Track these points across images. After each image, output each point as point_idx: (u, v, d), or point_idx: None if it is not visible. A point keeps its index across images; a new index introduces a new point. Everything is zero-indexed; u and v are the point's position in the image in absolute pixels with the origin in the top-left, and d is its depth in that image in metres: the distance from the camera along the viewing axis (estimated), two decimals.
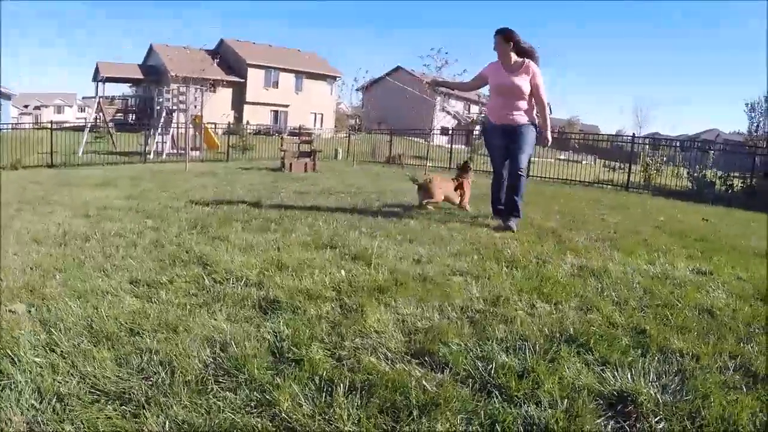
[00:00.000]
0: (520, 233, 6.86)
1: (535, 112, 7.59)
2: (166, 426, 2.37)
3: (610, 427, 2.51)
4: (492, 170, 8.10)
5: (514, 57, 7.42)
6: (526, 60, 7.42)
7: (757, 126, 53.44)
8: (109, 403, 2.56)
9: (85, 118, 42.04)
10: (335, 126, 62.97)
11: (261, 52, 63.72)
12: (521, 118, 7.47)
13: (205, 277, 4.41)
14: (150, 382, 2.73)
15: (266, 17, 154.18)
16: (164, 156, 26.21)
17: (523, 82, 7.36)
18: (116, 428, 2.37)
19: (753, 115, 53.98)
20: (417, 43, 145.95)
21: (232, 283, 4.26)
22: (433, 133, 31.30)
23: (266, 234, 6.06)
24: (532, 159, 23.05)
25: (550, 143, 7.75)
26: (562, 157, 30.06)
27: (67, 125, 34.89)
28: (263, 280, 4.34)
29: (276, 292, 4.02)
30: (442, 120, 50.31)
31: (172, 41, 53.46)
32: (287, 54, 66.52)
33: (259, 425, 2.38)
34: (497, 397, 2.66)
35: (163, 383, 2.72)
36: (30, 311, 3.69)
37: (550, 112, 7.81)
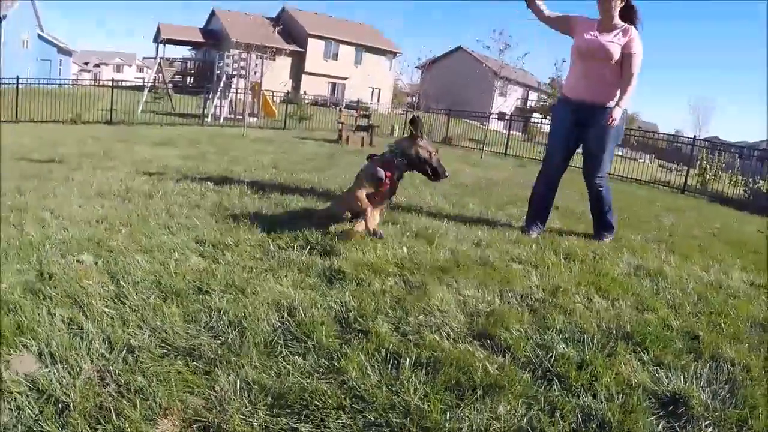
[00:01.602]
0: (576, 227, 6.79)
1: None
2: (237, 385, 2.45)
3: (661, 426, 2.55)
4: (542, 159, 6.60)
5: (616, 18, 5.72)
6: (627, 25, 5.71)
7: None
8: (179, 358, 2.66)
9: (144, 78, 42.52)
10: (392, 102, 62.93)
11: (322, 23, 63.75)
12: (606, 96, 5.77)
13: (270, 242, 4.50)
14: (220, 341, 2.83)
15: None
16: (221, 120, 26.39)
17: (615, 47, 5.62)
18: (188, 383, 2.46)
19: None
20: (479, 22, 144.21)
21: (297, 251, 4.35)
22: (492, 117, 31.16)
23: (327, 203, 6.14)
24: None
25: (615, 124, 5.62)
26: (618, 153, 29.75)
27: (127, 84, 35.25)
28: (326, 249, 4.43)
29: (341, 263, 4.10)
30: (500, 104, 50.08)
31: (234, 6, 53.81)
32: (348, 26, 66.48)
33: (328, 391, 2.46)
34: (557, 385, 2.72)
35: (233, 343, 2.81)
36: (97, 263, 3.80)
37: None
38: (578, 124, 5.94)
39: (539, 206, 6.28)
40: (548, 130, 6.54)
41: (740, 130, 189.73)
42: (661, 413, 2.66)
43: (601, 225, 6.30)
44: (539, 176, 6.37)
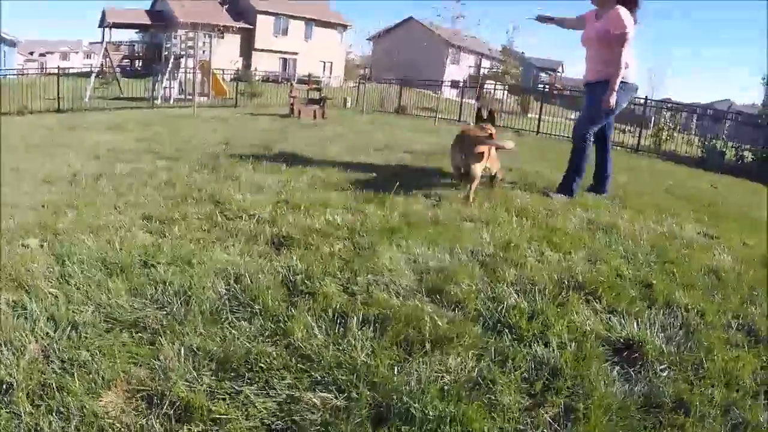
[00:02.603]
0: (531, 185, 6.79)
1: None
2: (182, 352, 2.42)
3: (616, 371, 2.57)
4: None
5: (609, 3, 6.16)
6: (614, 6, 6.09)
7: None
8: (125, 330, 2.62)
9: (92, 65, 41.78)
10: (345, 75, 62.70)
11: None
12: (594, 74, 6.43)
13: (217, 214, 4.45)
14: (165, 312, 2.78)
15: None
16: (172, 101, 26.08)
17: (596, 32, 6.24)
18: (132, 354, 2.43)
19: None
20: None
21: (245, 220, 4.31)
22: (444, 86, 31.16)
23: (277, 175, 6.09)
24: (544, 118, 23.04)
25: (610, 106, 6.19)
26: (573, 116, 29.94)
27: (73, 71, 34.65)
28: (276, 218, 4.38)
29: (288, 229, 4.07)
30: (453, 72, 50.15)
31: None
32: (296, 1, 65.94)
33: (273, 353, 2.44)
34: (507, 336, 2.72)
35: (178, 312, 2.77)
36: (42, 246, 3.73)
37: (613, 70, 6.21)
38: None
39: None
40: None
41: (695, 90, 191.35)
42: (616, 359, 2.68)
43: (560, 183, 6.61)
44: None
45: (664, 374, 2.60)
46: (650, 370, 2.61)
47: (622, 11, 6.03)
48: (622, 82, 6.16)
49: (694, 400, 2.40)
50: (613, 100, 6.09)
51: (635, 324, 3.00)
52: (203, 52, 27.68)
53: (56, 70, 25.13)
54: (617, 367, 2.60)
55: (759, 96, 59.20)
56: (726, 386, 2.56)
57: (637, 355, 2.73)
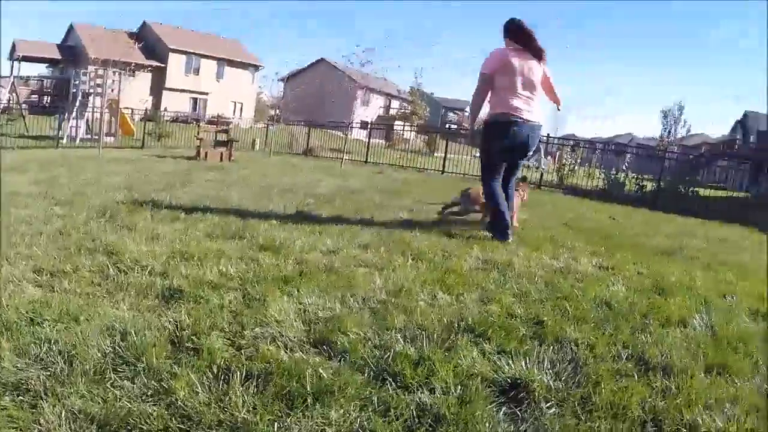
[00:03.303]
0: (430, 228, 6.86)
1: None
2: (63, 416, 2.36)
3: (502, 412, 2.61)
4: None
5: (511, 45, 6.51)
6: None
7: (669, 131, 55.55)
8: (7, 393, 2.53)
9: None
10: (255, 116, 62.48)
11: (184, 38, 62.62)
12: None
13: (110, 266, 4.34)
14: (48, 372, 2.70)
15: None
16: (78, 141, 25.57)
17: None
18: (12, 419, 2.35)
19: (666, 121, 56.08)
20: (341, 34, 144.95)
21: (137, 273, 4.22)
22: (352, 127, 31.37)
23: (175, 223, 6.00)
24: (450, 156, 23.41)
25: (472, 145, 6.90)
26: (478, 154, 30.45)
27: None
28: (168, 269, 4.32)
29: (180, 282, 4.01)
30: (362, 114, 50.47)
31: (93, 21, 52.15)
32: (209, 40, 65.54)
33: (154, 413, 2.40)
34: (392, 384, 2.73)
35: (61, 373, 2.69)
36: None
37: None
38: None
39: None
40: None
41: (597, 127, 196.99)
42: (502, 400, 2.71)
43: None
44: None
45: (551, 411, 2.65)
46: (536, 409, 2.66)
47: (493, 51, 6.38)
48: (528, 122, 6.36)
49: None
50: (472, 139, 6.36)
51: (523, 363, 3.05)
52: (112, 90, 27.26)
53: None
54: (504, 408, 2.63)
55: (658, 129, 61.79)
56: (613, 417, 2.64)
57: (524, 394, 2.77)
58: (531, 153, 6.80)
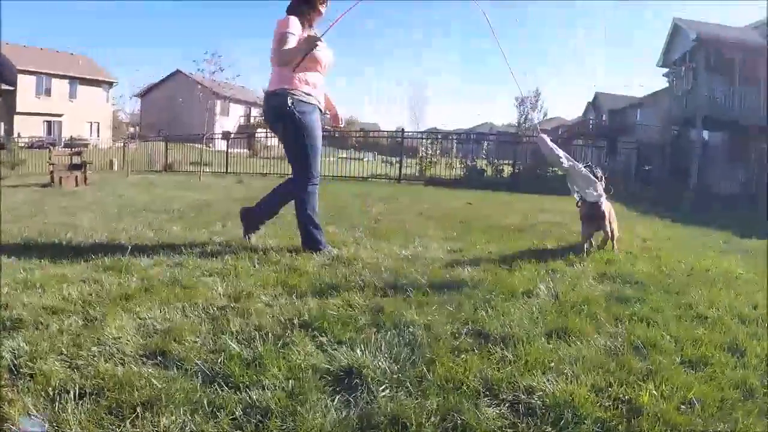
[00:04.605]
0: (279, 230, 6.87)
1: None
2: None
3: (336, 400, 2.69)
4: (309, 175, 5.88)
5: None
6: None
7: (525, 118, 57.23)
8: None
9: None
10: (113, 135, 60.86)
11: (31, 56, 60.12)
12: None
13: None
14: None
15: (32, 15, 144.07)
16: None
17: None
18: None
19: (522, 108, 57.72)
20: (193, 43, 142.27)
21: None
22: (214, 138, 31.03)
23: (21, 252, 5.84)
24: None
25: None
26: (343, 155, 30.65)
27: None
28: (9, 300, 4.22)
29: (20, 311, 3.92)
30: (224, 124, 49.96)
31: None
32: (59, 58, 63.09)
33: None
34: (223, 387, 2.78)
35: None
36: None
37: None
38: None
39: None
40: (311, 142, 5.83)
41: (457, 118, 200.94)
42: (336, 388, 2.81)
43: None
44: (311, 191, 5.95)
45: (384, 393, 2.76)
46: (370, 393, 2.76)
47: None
48: (313, 105, 5.81)
49: (409, 413, 2.56)
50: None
51: (358, 351, 3.17)
52: None
53: None
54: (338, 396, 2.72)
55: (514, 116, 63.74)
56: (446, 392, 2.77)
57: (357, 380, 2.88)
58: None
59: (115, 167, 28.87)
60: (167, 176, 22.34)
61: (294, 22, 5.55)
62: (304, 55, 5.41)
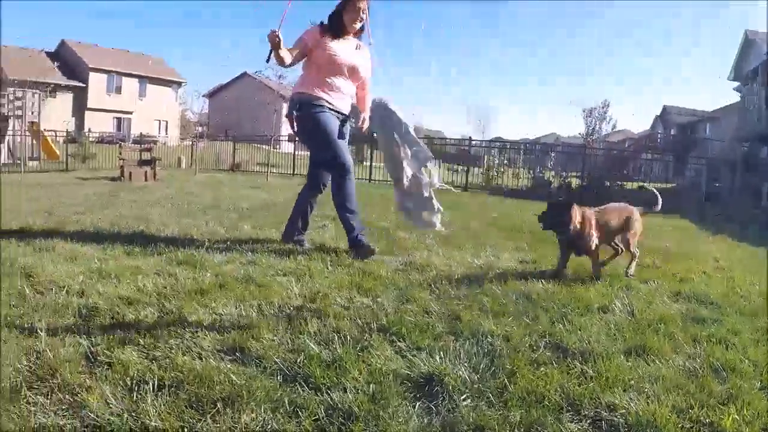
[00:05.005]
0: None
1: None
2: None
3: (417, 406, 2.64)
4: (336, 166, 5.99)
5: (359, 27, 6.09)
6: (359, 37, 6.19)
7: (593, 129, 56.52)
8: None
9: None
10: (180, 134, 61.82)
11: (103, 56, 61.68)
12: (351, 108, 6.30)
13: (26, 287, 4.29)
14: None
15: (108, 17, 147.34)
16: None
17: (366, 63, 6.23)
18: None
19: (589, 119, 57.08)
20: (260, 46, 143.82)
21: (54, 293, 4.18)
22: (279, 140, 31.25)
23: (94, 243, 5.91)
24: (378, 164, 23.51)
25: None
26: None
27: None
28: (85, 288, 4.28)
29: (96, 300, 3.98)
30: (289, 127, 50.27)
31: (8, 40, 51.02)
32: (130, 58, 64.65)
33: (68, 426, 2.41)
34: (303, 387, 2.77)
35: None
36: None
37: None
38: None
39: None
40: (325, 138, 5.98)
41: (522, 128, 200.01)
42: (417, 395, 2.76)
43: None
44: (347, 184, 6.06)
45: (465, 403, 2.70)
46: (452, 401, 2.71)
47: None
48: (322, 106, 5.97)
49: (493, 424, 2.51)
50: None
51: (438, 358, 3.13)
52: (32, 112, 26.72)
53: None
54: (418, 403, 2.68)
55: (582, 127, 62.83)
56: (530, 405, 2.70)
57: (438, 388, 2.82)
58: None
59: (183, 165, 29.27)
60: (235, 176, 22.56)
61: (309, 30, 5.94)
62: (270, 53, 5.59)
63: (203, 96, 72.30)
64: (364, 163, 26.99)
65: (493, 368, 3.07)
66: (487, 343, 3.41)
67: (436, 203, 5.46)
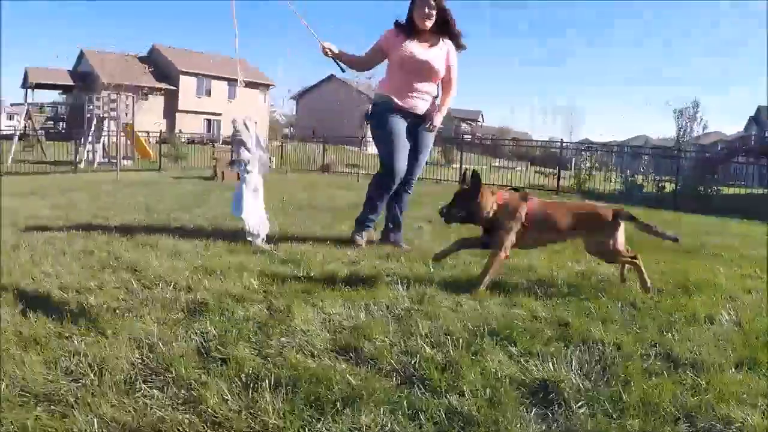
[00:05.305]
0: (452, 236, 6.80)
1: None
2: (95, 425, 2.38)
3: (533, 413, 2.60)
4: (385, 166, 6.21)
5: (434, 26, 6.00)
6: (443, 36, 6.11)
7: (685, 131, 54.91)
8: (39, 404, 2.56)
9: (14, 127, 41.12)
10: (269, 135, 62.75)
11: (193, 59, 63.11)
12: (431, 107, 6.19)
13: (134, 282, 4.40)
14: (79, 384, 2.74)
15: (197, 20, 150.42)
16: (95, 165, 25.78)
17: (439, 60, 6.07)
18: (46, 428, 2.38)
19: (681, 120, 55.43)
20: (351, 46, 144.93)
21: (161, 288, 4.27)
22: (369, 142, 31.38)
23: (195, 240, 6.03)
24: (468, 166, 23.40)
25: (435, 130, 6.27)
26: (495, 164, 30.45)
27: None
28: (192, 284, 4.36)
29: (204, 295, 4.05)
30: None
31: (102, 46, 52.73)
32: (219, 61, 65.95)
33: (186, 421, 2.42)
34: (420, 389, 2.74)
35: (91, 384, 2.72)
36: None
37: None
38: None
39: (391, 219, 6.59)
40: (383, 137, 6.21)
41: (609, 129, 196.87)
42: (532, 401, 2.71)
43: (400, 224, 6.55)
44: (384, 185, 6.32)
45: (582, 411, 2.64)
46: (567, 409, 2.65)
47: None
48: (388, 105, 6.14)
49: None
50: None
51: (551, 364, 3.06)
52: (126, 114, 27.45)
53: None
54: (534, 409, 2.63)
55: (671, 129, 61.10)
56: (645, 415, 2.62)
57: (553, 394, 2.77)
58: None
59: (273, 165, 29.63)
60: (325, 176, 22.75)
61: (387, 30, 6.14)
62: (337, 61, 6.19)
63: (291, 98, 73.28)
64: (453, 165, 26.92)
65: (607, 376, 3.00)
66: (598, 351, 3.33)
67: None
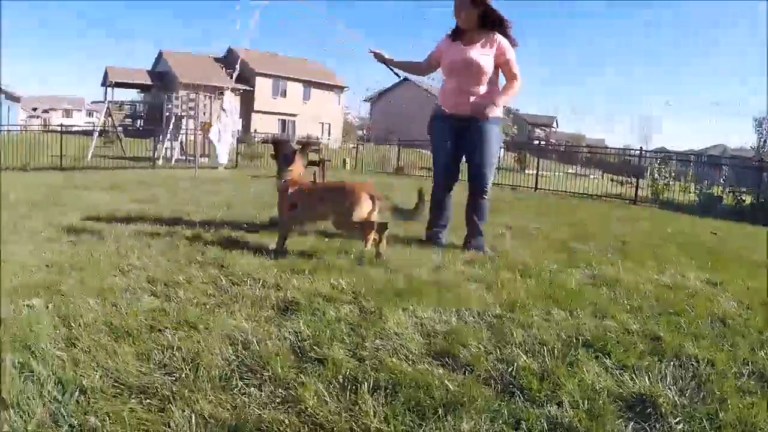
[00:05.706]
0: (532, 243, 6.77)
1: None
2: (193, 420, 2.39)
3: (630, 427, 2.55)
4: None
5: (475, 24, 5.88)
6: (493, 32, 5.87)
7: (766, 141, 53.43)
8: (133, 396, 2.59)
9: (94, 123, 42.12)
10: (343, 136, 63.14)
11: (269, 61, 63.86)
12: (481, 107, 5.85)
13: (222, 278, 4.44)
14: (173, 378, 2.76)
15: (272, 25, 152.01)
16: (173, 162, 26.25)
17: (484, 58, 5.85)
18: (142, 421, 2.40)
19: (761, 130, 53.95)
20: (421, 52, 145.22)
21: (250, 285, 4.30)
22: None
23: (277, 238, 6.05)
24: (542, 173, 23.14)
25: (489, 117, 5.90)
26: (570, 170, 30.04)
27: (76, 129, 34.94)
28: (280, 282, 4.37)
29: (294, 294, 4.06)
30: None
31: (181, 47, 53.98)
32: (294, 63, 66.70)
33: (286, 420, 2.42)
34: (520, 398, 2.70)
35: (186, 379, 2.74)
36: (48, 307, 3.69)
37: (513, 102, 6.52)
38: (457, 137, 6.15)
39: (435, 226, 6.62)
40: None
41: (685, 138, 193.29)
42: (630, 415, 2.65)
43: (477, 229, 6.33)
44: (432, 197, 6.55)
45: (679, 427, 2.57)
46: (665, 424, 2.59)
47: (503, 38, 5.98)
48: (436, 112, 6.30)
49: None
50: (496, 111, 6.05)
51: (647, 378, 2.99)
52: (204, 113, 27.85)
53: (59, 128, 25.35)
54: (632, 423, 2.58)
55: (750, 139, 59.51)
56: None
57: (650, 409, 2.71)
58: None
59: (348, 167, 29.75)
60: (400, 178, 22.75)
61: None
62: (390, 66, 6.51)
63: (365, 100, 73.63)
64: (527, 171, 26.64)
65: (702, 393, 2.91)
66: (692, 367, 3.24)
67: None
